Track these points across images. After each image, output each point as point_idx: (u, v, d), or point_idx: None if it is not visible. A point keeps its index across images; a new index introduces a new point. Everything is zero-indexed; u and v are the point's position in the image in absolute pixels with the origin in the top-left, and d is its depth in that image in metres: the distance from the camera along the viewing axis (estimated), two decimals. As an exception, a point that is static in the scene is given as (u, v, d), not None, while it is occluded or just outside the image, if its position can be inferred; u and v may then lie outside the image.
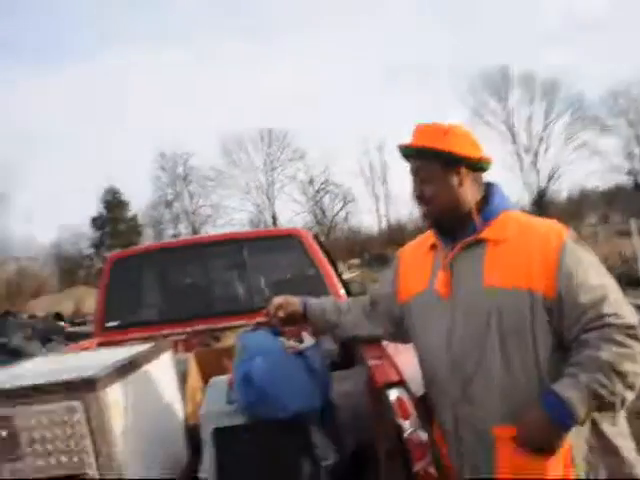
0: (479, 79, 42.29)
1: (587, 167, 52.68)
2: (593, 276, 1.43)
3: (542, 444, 1.38)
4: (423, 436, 1.59)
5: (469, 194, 1.59)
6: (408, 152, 1.64)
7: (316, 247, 3.70)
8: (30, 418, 1.60)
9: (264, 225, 45.00)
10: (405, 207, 45.09)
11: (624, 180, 43.79)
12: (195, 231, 42.71)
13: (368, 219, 57.30)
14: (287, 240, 3.87)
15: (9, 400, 1.63)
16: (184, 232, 43.80)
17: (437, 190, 1.59)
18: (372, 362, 1.78)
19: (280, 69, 62.66)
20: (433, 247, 1.68)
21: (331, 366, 2.59)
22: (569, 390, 1.35)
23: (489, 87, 42.50)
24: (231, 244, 3.84)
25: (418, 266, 1.71)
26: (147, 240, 37.33)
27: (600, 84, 63.47)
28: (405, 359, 1.80)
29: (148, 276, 3.95)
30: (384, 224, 49.12)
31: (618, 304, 1.40)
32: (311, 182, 46.94)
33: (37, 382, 1.68)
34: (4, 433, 1.59)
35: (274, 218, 46.44)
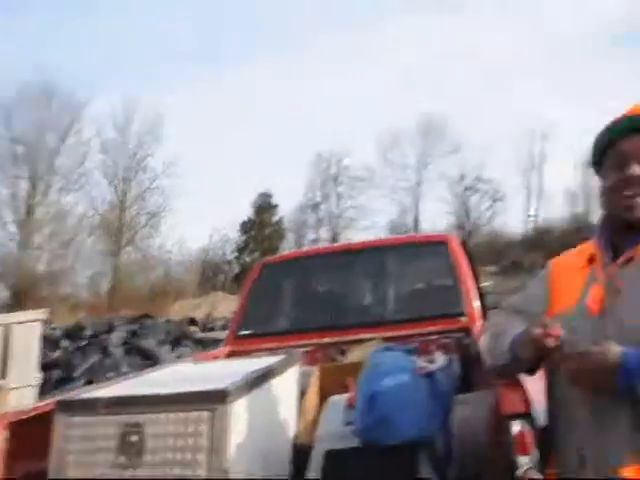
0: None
1: None
2: None
3: (596, 367, 1.24)
4: (537, 476, 1.41)
5: None
6: None
7: (462, 255, 3.51)
8: (160, 425, 1.65)
9: (404, 228, 44.60)
10: (557, 207, 41.85)
11: None
12: (335, 236, 43.57)
13: (513, 220, 53.96)
14: (434, 247, 3.71)
15: (142, 407, 1.69)
16: (324, 237, 45.04)
17: None
18: (500, 388, 1.61)
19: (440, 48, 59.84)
20: (591, 260, 1.47)
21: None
22: None
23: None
24: (377, 251, 3.78)
25: (571, 280, 1.50)
26: (289, 245, 38.60)
27: None
28: (533, 386, 1.60)
29: (291, 284, 3.95)
30: (530, 226, 46.19)
31: None
32: (462, 178, 45.26)
33: (170, 391, 1.73)
34: (134, 438, 1.64)
35: (416, 221, 45.78)
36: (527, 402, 1.52)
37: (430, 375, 1.82)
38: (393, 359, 1.90)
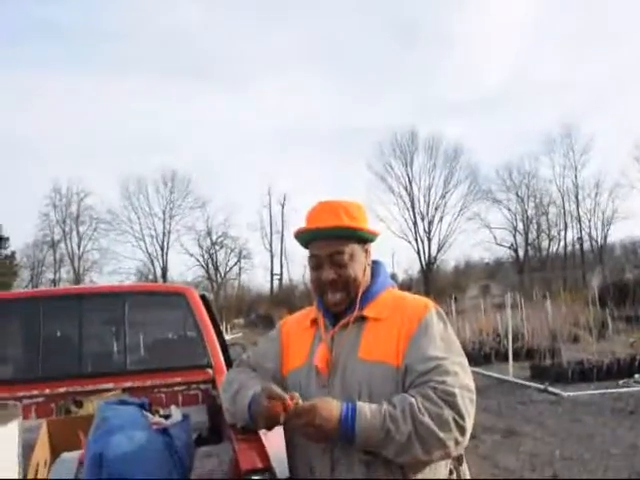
0: (387, 142, 44.82)
1: (476, 238, 56.74)
2: (433, 349, 1.47)
3: (320, 422, 1.37)
4: None
5: (367, 274, 1.63)
6: (324, 234, 1.57)
7: (201, 307, 3.57)
8: None
9: (153, 276, 43.46)
10: (299, 267, 45.59)
11: (506, 254, 47.68)
12: (78, 277, 40.36)
13: (260, 277, 57.11)
14: (173, 298, 3.71)
15: None
16: (65, 277, 41.32)
17: (357, 272, 1.59)
18: (238, 442, 1.67)
19: (187, 113, 62.30)
20: (314, 322, 1.67)
21: (199, 440, 2.46)
22: (367, 406, 1.40)
23: (396, 150, 45.07)
24: (117, 297, 3.61)
25: (300, 340, 1.68)
26: (22, 282, 34.46)
27: (496, 158, 69.31)
28: (274, 436, 1.71)
29: (20, 327, 3.58)
30: (276, 283, 49.23)
31: (449, 375, 1.42)
32: (209, 233, 46.39)
33: None
34: None
35: (164, 270, 45.08)
36: (265, 456, 1.60)
37: (165, 430, 1.79)
38: (125, 413, 1.81)
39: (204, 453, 2.18)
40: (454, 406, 1.37)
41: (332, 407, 1.39)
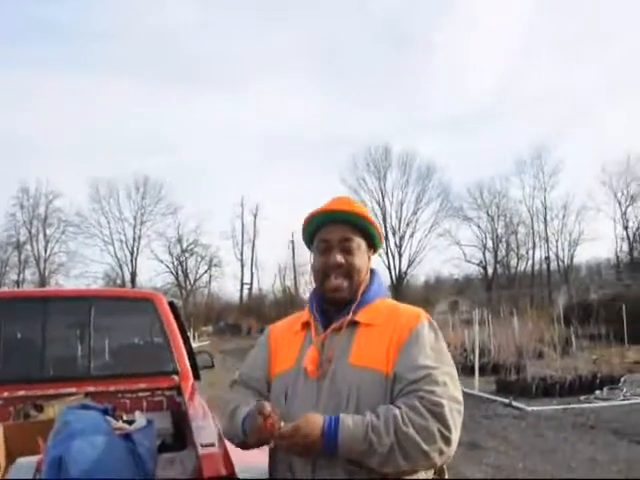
0: (361, 157, 45.13)
1: (446, 255, 57.58)
2: (423, 358, 1.47)
3: (304, 440, 1.37)
4: None
5: (367, 277, 1.65)
6: (338, 216, 1.60)
7: (169, 314, 3.54)
8: None
9: (121, 281, 42.76)
10: (269, 277, 45.50)
11: (476, 271, 48.34)
12: (43, 280, 39.44)
13: (230, 286, 56.66)
14: (140, 303, 3.66)
15: None
16: (29, 279, 40.34)
17: (361, 264, 1.60)
18: (202, 449, 1.65)
19: (160, 118, 61.82)
20: (305, 326, 1.66)
21: (162, 447, 2.42)
22: (350, 417, 1.39)
23: (370, 165, 45.42)
24: (82, 301, 3.54)
25: (289, 343, 1.67)
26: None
27: (468, 176, 70.33)
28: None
29: None
30: (246, 292, 49.01)
31: (438, 385, 1.42)
32: (180, 240, 45.93)
33: None
34: None
35: (133, 275, 44.38)
36: (229, 463, 1.58)
37: (128, 436, 1.76)
38: (87, 418, 1.77)
39: (167, 460, 2.15)
40: (441, 417, 1.37)
41: (315, 422, 1.38)
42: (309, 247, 1.72)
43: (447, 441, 1.38)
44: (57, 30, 59.34)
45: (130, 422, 1.87)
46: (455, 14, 62.90)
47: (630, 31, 60.21)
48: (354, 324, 1.56)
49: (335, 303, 1.61)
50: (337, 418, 1.38)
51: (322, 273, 1.60)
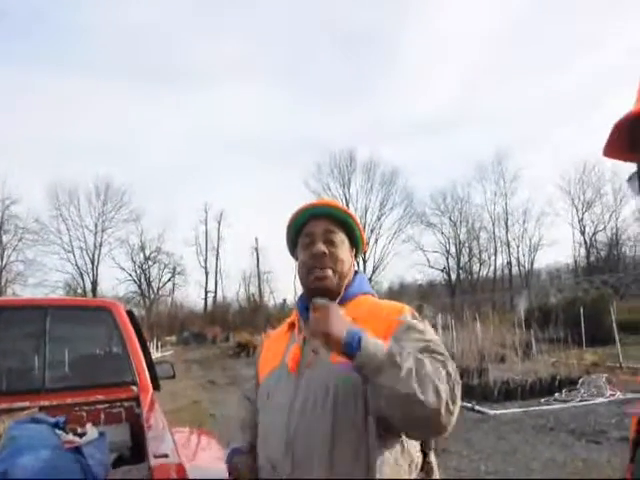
0: (326, 162, 45.37)
1: (410, 261, 58.30)
2: (419, 334, 1.44)
3: (332, 321, 1.32)
4: None
5: (350, 273, 1.64)
6: (321, 211, 1.62)
7: (128, 323, 3.47)
8: None
9: (82, 290, 41.78)
10: (234, 284, 45.24)
11: (439, 276, 49.05)
12: (-1, 289, 38.24)
13: (194, 294, 55.93)
14: (98, 313, 3.58)
15: None
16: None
17: (345, 257, 1.61)
18: (154, 460, 1.62)
19: (123, 122, 60.84)
20: (291, 326, 1.66)
21: (120, 460, 2.37)
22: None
23: (334, 170, 45.67)
24: (32, 311, 3.44)
25: (276, 345, 1.67)
26: None
27: (431, 182, 71.37)
28: (200, 450, 1.67)
29: None
30: (210, 300, 48.51)
31: (442, 354, 1.38)
32: (143, 248, 45.18)
33: None
34: None
35: (94, 284, 43.42)
36: (183, 474, 1.55)
37: (78, 449, 1.71)
38: (35, 432, 1.72)
39: (124, 473, 2.10)
40: (449, 370, 1.33)
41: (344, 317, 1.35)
42: (292, 249, 1.72)
43: (454, 398, 1.30)
44: (10, 23, 57.52)
45: (82, 435, 1.82)
46: (418, 23, 64.01)
47: (591, 44, 62.37)
48: None
49: (320, 294, 1.57)
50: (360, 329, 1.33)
51: (306, 266, 1.60)
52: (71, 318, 3.59)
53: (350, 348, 1.29)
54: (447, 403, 1.28)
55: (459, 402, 1.32)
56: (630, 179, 0.96)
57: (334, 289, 1.58)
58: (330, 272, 1.58)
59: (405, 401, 1.26)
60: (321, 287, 1.59)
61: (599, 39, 60.55)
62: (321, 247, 1.59)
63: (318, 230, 1.62)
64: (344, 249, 1.63)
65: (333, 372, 1.46)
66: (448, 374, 1.32)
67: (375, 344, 1.30)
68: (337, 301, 1.55)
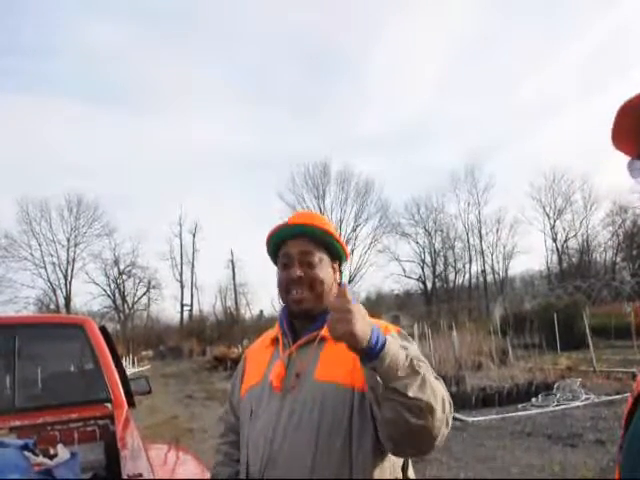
0: (300, 174, 45.43)
1: (386, 271, 58.58)
2: (404, 350, 1.35)
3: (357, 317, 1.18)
4: None
5: (335, 290, 1.59)
6: (297, 230, 1.58)
7: (101, 340, 3.40)
8: None
9: (55, 306, 40.93)
10: (210, 297, 44.81)
11: (415, 286, 49.37)
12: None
13: (170, 308, 55.22)
14: (70, 330, 3.51)
15: None
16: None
17: (324, 276, 1.57)
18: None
19: (96, 137, 60.24)
20: (274, 341, 1.64)
21: (95, 479, 2.31)
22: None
23: (309, 182, 45.75)
24: (5, 329, 3.36)
25: (259, 359, 1.65)
26: None
27: (406, 193, 71.89)
28: (177, 466, 1.64)
29: None
30: (186, 314, 48.00)
31: (430, 369, 1.34)
32: (116, 262, 44.53)
33: None
34: None
35: (67, 299, 42.57)
36: None
37: (49, 471, 1.66)
38: (1, 457, 1.67)
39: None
40: (443, 386, 1.31)
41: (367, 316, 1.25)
42: (276, 263, 1.69)
43: (450, 407, 1.30)
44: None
45: (52, 457, 1.76)
46: (388, 37, 64.80)
47: (561, 49, 63.90)
48: (323, 339, 1.53)
49: (300, 316, 1.58)
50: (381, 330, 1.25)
51: (284, 288, 1.59)
52: (42, 336, 3.51)
53: (373, 350, 1.22)
54: (447, 417, 1.28)
55: (451, 416, 1.31)
56: (631, 163, 0.96)
57: (312, 309, 1.56)
58: (307, 293, 1.56)
59: (419, 408, 1.22)
60: (297, 310, 1.58)
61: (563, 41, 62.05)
62: (296, 272, 1.56)
63: (294, 251, 1.59)
64: (323, 267, 1.60)
65: (319, 392, 1.45)
66: (442, 386, 1.32)
67: (397, 347, 1.26)
68: (318, 321, 1.53)
